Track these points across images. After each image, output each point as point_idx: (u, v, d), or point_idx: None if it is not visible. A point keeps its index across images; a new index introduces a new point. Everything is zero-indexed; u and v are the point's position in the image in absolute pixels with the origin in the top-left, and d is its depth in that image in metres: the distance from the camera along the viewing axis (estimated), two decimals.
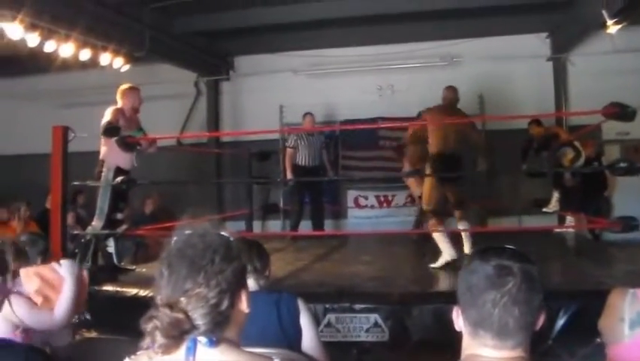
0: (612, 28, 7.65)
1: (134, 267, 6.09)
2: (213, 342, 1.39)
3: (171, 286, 1.40)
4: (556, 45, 10.08)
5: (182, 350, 1.38)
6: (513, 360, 1.44)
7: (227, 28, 9.87)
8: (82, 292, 3.20)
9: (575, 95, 9.98)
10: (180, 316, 1.36)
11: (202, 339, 1.38)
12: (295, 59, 10.65)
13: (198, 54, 10.46)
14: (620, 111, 5.18)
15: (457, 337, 1.55)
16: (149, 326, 1.35)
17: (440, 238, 5.71)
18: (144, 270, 5.93)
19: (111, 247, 5.79)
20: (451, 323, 1.56)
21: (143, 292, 4.68)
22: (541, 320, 1.47)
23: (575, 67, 10.06)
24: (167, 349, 1.36)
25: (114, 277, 5.34)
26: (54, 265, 3.15)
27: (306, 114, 8.80)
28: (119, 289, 4.92)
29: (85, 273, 3.36)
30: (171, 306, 1.37)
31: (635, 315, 2.05)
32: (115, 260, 5.84)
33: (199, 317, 1.38)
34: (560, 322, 4.04)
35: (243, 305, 1.48)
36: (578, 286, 4.62)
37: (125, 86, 6.15)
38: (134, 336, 1.46)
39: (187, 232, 1.49)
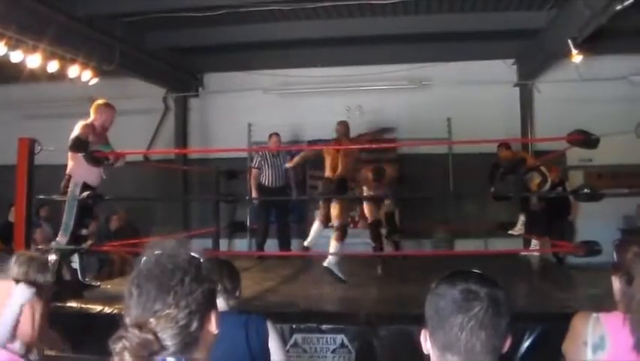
0: (577, 57, 7.87)
1: (98, 283, 5.99)
2: None
3: (140, 307, 1.38)
4: (522, 72, 10.29)
5: None
6: None
7: (198, 45, 9.86)
8: (27, 322, 3.00)
9: (541, 120, 10.18)
10: (149, 336, 1.34)
11: (171, 360, 1.37)
12: (265, 77, 10.68)
13: (168, 70, 10.41)
14: (584, 139, 5.29)
15: (423, 359, 1.56)
16: (117, 347, 1.33)
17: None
18: (109, 286, 5.86)
19: (76, 262, 5.68)
20: (417, 344, 1.57)
21: (107, 309, 4.62)
22: (508, 344, 1.49)
23: (540, 93, 10.26)
24: None
25: (78, 293, 5.24)
26: (12, 284, 3.03)
27: (271, 135, 8.82)
28: (83, 305, 4.83)
29: (39, 307, 3.10)
30: (140, 326, 1.35)
31: (598, 339, 2.08)
32: (79, 276, 5.74)
33: (168, 338, 1.36)
34: (525, 344, 4.07)
35: (212, 326, 1.47)
36: (542, 309, 4.68)
37: (101, 101, 6.04)
38: (99, 354, 1.44)
39: (157, 251, 1.48)
